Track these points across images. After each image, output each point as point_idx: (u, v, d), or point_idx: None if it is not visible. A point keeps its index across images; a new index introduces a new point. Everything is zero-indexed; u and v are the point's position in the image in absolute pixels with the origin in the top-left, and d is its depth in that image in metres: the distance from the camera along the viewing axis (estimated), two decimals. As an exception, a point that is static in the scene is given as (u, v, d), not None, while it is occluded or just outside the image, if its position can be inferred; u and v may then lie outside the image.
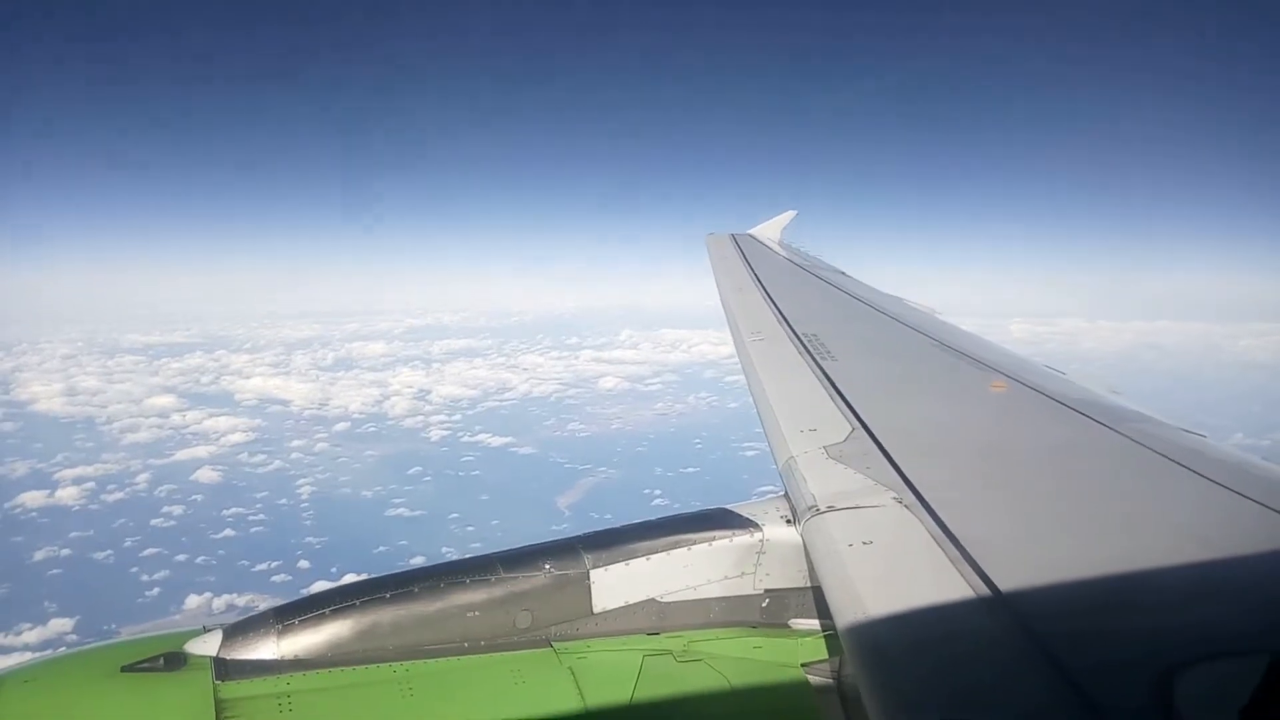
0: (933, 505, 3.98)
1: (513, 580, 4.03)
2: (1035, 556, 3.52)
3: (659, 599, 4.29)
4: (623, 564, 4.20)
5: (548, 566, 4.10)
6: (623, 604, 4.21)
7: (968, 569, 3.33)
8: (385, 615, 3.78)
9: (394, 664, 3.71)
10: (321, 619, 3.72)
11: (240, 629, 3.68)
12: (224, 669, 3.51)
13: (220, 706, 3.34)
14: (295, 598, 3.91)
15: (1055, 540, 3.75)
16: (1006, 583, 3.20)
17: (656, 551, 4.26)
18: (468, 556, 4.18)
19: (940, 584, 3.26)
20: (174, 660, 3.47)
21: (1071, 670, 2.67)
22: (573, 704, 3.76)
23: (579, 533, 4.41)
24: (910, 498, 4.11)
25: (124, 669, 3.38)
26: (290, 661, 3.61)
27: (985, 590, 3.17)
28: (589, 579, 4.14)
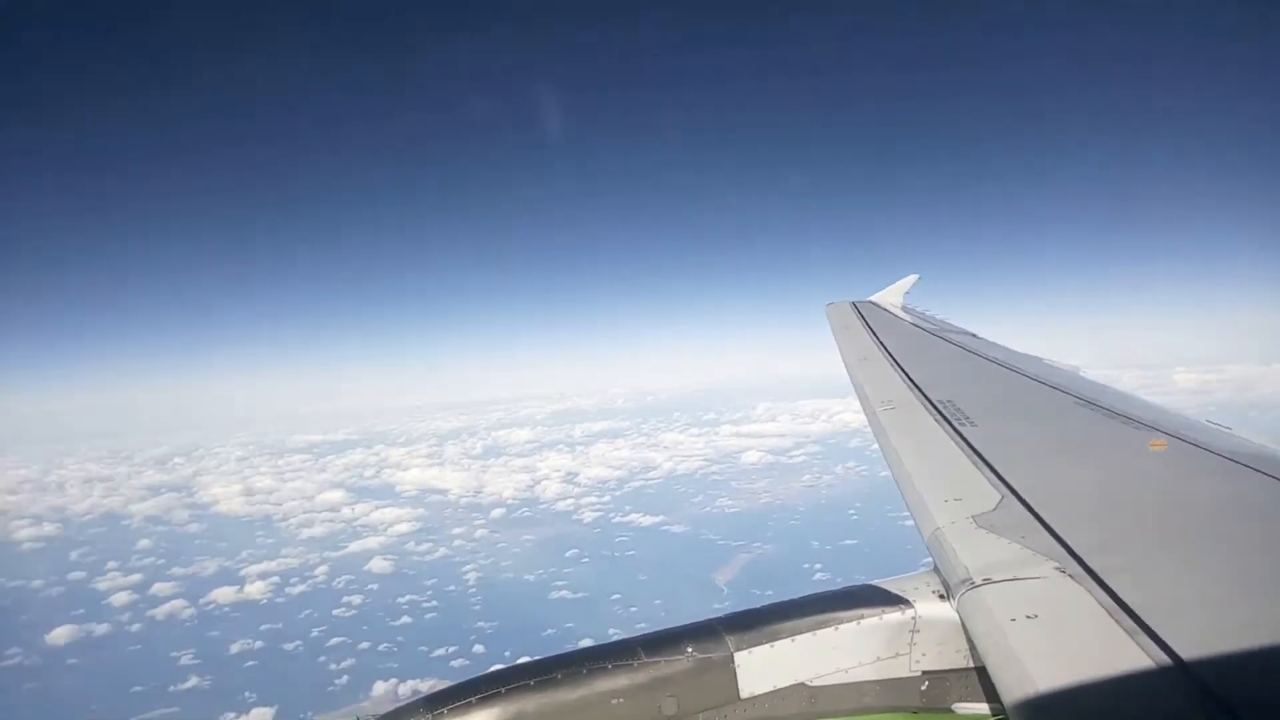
0: (1099, 573, 3.74)
1: (655, 665, 3.91)
2: (1219, 624, 3.23)
3: (808, 683, 4.10)
4: (767, 645, 4.04)
5: (690, 650, 3.97)
6: (770, 689, 4.05)
7: (1147, 640, 3.08)
8: (530, 703, 3.74)
9: None
10: (469, 708, 3.71)
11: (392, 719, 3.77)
12: None
13: None
14: (443, 686, 4.00)
15: (1238, 605, 3.45)
16: (1191, 654, 2.95)
17: (801, 632, 4.08)
18: (609, 641, 4.11)
19: (1118, 658, 3.00)
20: None
21: None
22: None
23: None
24: (1074, 566, 3.87)
25: None
26: None
27: (1168, 662, 2.92)
28: (734, 662, 3.99)
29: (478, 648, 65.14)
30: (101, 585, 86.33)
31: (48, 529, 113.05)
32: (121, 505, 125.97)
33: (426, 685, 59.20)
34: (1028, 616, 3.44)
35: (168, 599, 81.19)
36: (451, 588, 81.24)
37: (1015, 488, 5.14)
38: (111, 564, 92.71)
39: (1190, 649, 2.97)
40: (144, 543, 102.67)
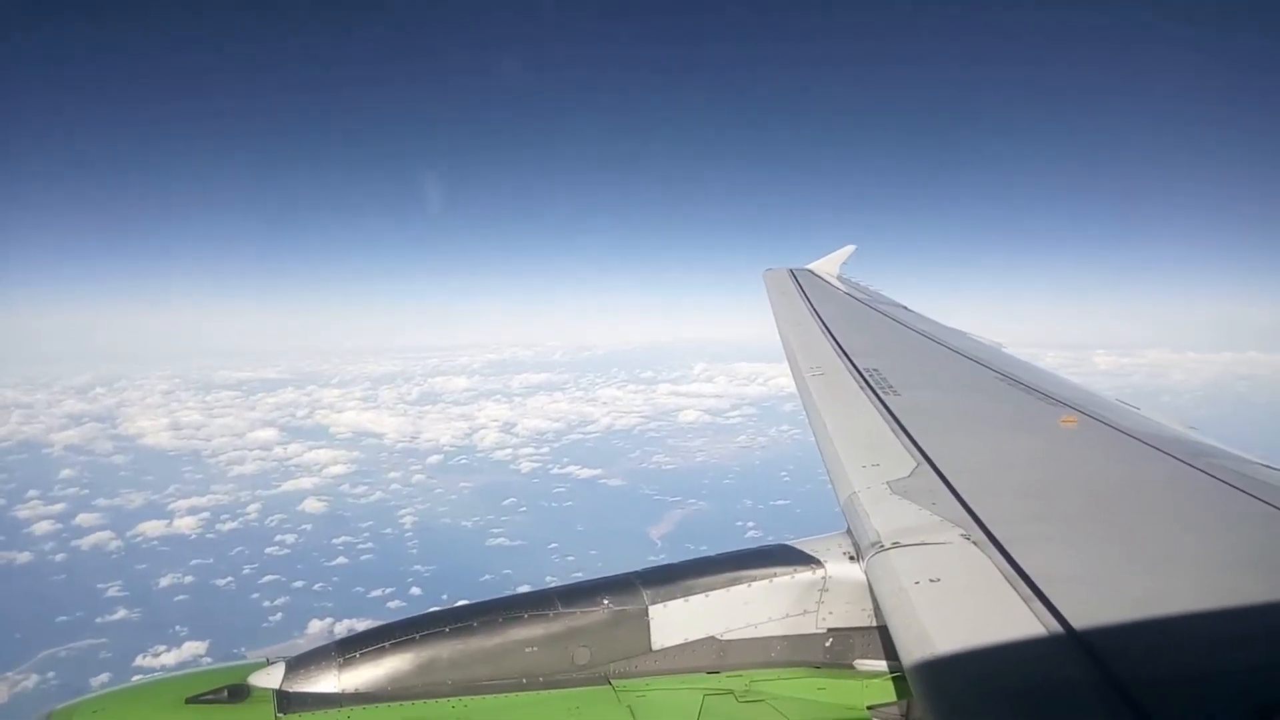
0: (1002, 542, 3.86)
1: (571, 615, 4.01)
2: (1111, 594, 3.39)
3: (719, 637, 4.22)
4: (681, 600, 4.14)
5: (606, 602, 4.07)
6: (682, 641, 4.16)
7: (1040, 607, 3.21)
8: (444, 650, 3.81)
9: (452, 699, 3.76)
10: (382, 652, 3.76)
11: (303, 662, 3.75)
12: (286, 702, 3.58)
13: None
14: (357, 631, 4.03)
15: (1131, 577, 3.60)
16: (1082, 622, 3.07)
17: (716, 588, 4.19)
18: (527, 591, 4.22)
19: (1013, 623, 3.14)
20: (238, 693, 3.54)
21: (1155, 716, 2.58)
22: None
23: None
24: (979, 534, 3.99)
25: (189, 700, 3.47)
26: (351, 695, 3.67)
27: (1060, 630, 3.05)
28: (648, 615, 4.09)
29: (415, 590, 65.35)
30: (22, 514, 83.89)
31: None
32: (42, 433, 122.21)
33: (363, 625, 58.98)
34: (931, 580, 3.58)
35: (93, 530, 79.35)
36: (388, 530, 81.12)
37: (930, 456, 5.30)
38: (32, 492, 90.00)
39: (1082, 618, 3.10)
40: (66, 472, 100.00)
